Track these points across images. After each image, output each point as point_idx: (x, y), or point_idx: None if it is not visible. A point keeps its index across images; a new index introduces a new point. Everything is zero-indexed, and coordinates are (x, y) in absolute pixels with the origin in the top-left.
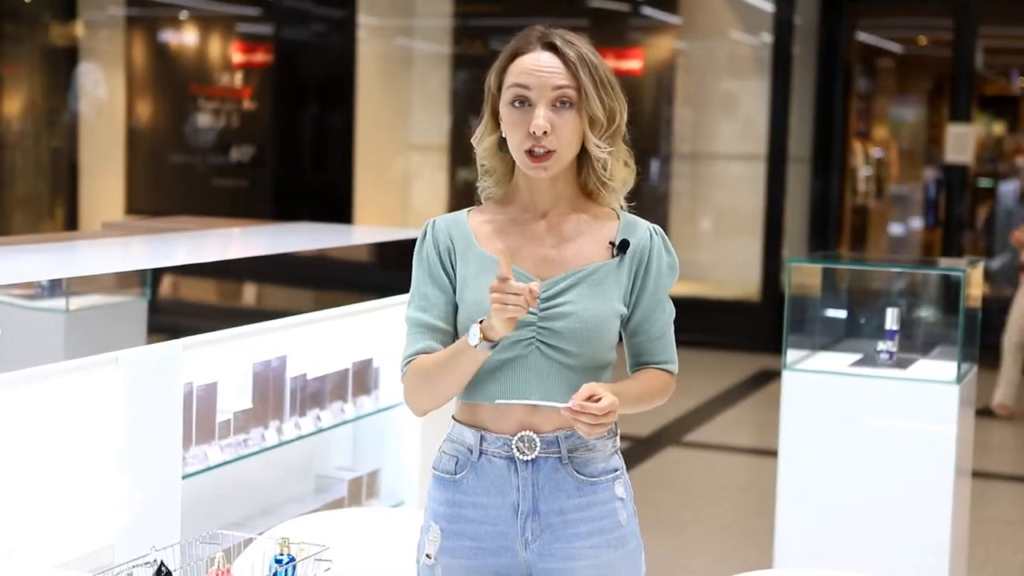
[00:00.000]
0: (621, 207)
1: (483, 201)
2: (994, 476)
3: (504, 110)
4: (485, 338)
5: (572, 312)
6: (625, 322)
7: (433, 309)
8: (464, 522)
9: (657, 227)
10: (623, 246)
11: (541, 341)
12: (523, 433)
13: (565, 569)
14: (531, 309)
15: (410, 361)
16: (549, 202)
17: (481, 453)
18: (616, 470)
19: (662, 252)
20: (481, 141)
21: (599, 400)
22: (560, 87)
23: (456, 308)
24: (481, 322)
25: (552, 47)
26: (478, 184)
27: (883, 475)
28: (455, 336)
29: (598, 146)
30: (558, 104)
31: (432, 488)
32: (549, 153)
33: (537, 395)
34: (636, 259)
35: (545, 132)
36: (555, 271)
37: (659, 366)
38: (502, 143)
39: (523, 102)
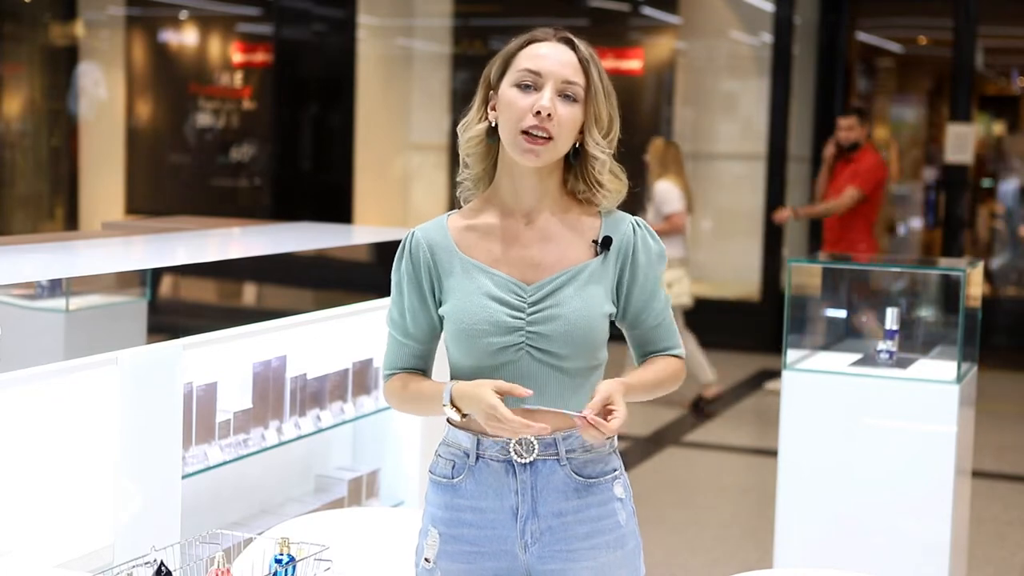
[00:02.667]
0: None
1: (463, 203)
2: (994, 476)
3: (506, 92)
4: (455, 407)
5: (560, 315)
6: (621, 317)
7: (412, 318)
8: (463, 526)
9: (639, 219)
10: (606, 243)
11: (531, 346)
12: (520, 436)
13: (564, 570)
14: (519, 314)
15: (388, 376)
16: (533, 200)
17: (478, 457)
18: (615, 470)
19: (648, 242)
20: (468, 129)
21: (612, 413)
22: (570, 81)
23: (431, 319)
24: (463, 412)
25: (568, 42)
26: (458, 179)
27: (883, 475)
28: (426, 346)
29: (598, 144)
30: (563, 96)
31: (429, 492)
32: (547, 139)
33: (531, 399)
34: (621, 254)
35: (549, 115)
36: (541, 275)
37: (665, 352)
38: (491, 132)
39: (529, 86)
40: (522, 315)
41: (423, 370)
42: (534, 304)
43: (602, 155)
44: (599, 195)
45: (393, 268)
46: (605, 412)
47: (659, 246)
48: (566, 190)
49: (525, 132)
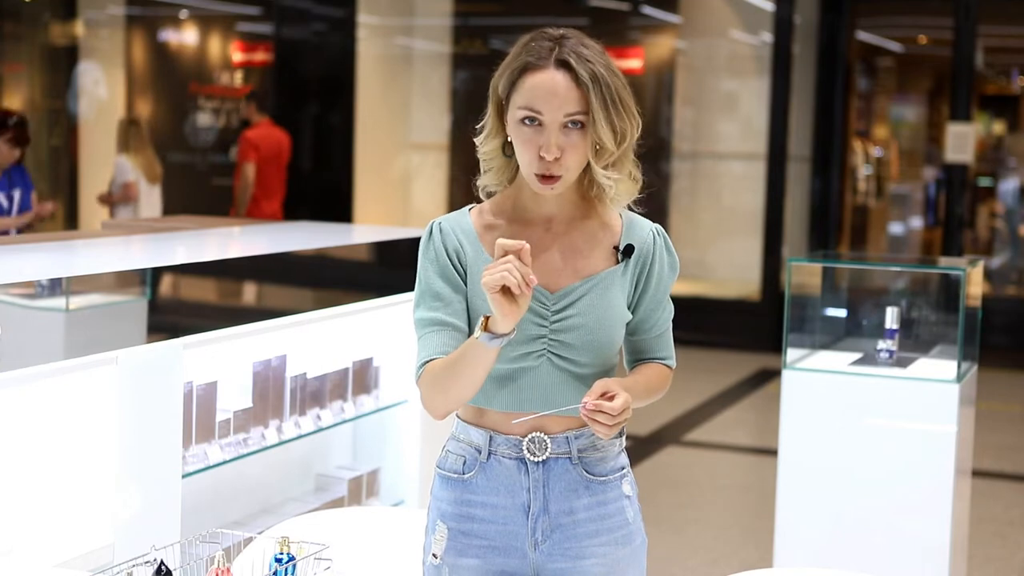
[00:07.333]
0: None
1: (483, 198)
2: (994, 476)
3: (514, 126)
4: (487, 330)
5: (583, 324)
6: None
7: (447, 307)
8: (473, 521)
9: (658, 227)
10: (628, 251)
11: (552, 352)
12: (534, 434)
13: (574, 568)
14: (542, 322)
15: (424, 365)
16: (553, 210)
17: (490, 454)
18: (623, 468)
19: (663, 253)
20: (485, 142)
21: (613, 398)
22: (571, 113)
23: (464, 299)
24: (487, 317)
25: (566, 66)
26: (477, 181)
27: (883, 475)
28: (465, 328)
29: (604, 175)
30: (569, 125)
31: (437, 488)
32: (558, 176)
33: (544, 404)
34: (639, 262)
35: (556, 158)
36: (563, 281)
37: (659, 361)
38: (507, 147)
39: (533, 120)
40: (545, 323)
41: None
42: (557, 312)
43: (608, 183)
44: (613, 202)
45: (420, 257)
46: (607, 401)
47: (673, 258)
48: (582, 195)
49: (537, 173)
